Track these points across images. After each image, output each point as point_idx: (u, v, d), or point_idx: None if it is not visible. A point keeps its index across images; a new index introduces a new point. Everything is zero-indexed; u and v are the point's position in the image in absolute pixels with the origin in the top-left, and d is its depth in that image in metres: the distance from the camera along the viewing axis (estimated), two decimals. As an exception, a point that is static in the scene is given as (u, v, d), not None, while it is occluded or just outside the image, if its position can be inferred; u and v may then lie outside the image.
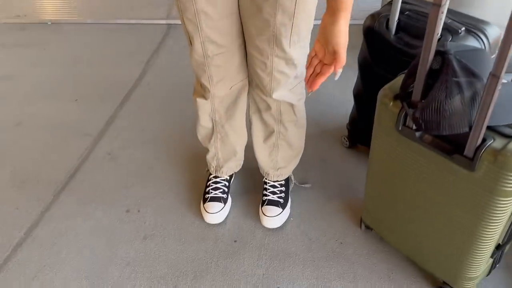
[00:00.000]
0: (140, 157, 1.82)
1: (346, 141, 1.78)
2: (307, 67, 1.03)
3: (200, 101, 1.34)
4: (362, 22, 1.47)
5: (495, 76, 0.82)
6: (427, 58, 0.91)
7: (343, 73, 0.96)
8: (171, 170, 1.74)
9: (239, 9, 1.13)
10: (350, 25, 0.95)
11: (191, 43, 1.17)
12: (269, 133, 1.42)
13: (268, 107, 1.32)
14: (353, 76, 1.66)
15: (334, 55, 0.96)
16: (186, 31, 1.15)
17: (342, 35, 0.93)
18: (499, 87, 0.84)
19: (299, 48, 1.15)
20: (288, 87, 1.25)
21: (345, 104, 2.01)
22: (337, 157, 1.76)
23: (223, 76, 1.24)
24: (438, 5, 0.85)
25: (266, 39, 1.11)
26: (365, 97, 1.57)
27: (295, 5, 1.04)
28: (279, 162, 1.49)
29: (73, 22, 2.81)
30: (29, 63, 2.46)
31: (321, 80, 1.00)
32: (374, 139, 1.19)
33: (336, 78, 0.96)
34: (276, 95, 1.25)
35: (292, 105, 1.32)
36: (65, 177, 1.73)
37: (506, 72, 1.93)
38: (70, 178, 1.73)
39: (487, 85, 0.84)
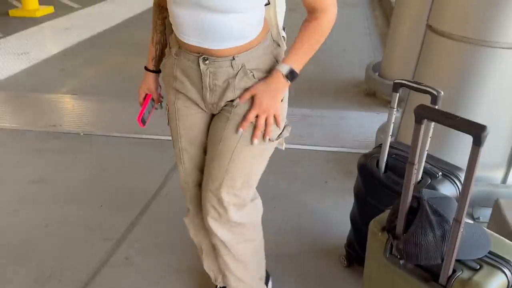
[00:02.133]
0: (154, 264, 1.99)
1: (344, 260, 1.96)
2: None
3: (186, 219, 1.67)
4: (357, 150, 1.74)
5: (457, 221, 1.06)
6: (405, 205, 1.16)
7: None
8: (181, 280, 1.90)
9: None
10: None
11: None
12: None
13: None
14: (353, 199, 1.89)
15: None
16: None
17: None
18: (461, 229, 1.07)
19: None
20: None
21: (345, 223, 2.20)
22: (335, 275, 1.93)
23: (198, 202, 1.54)
24: (412, 164, 1.12)
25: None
26: (360, 222, 1.79)
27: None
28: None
29: (102, 134, 3.16)
30: (61, 169, 2.75)
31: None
32: (366, 263, 1.39)
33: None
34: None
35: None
36: (85, 278, 1.89)
37: (482, 206, 2.16)
38: (90, 280, 1.89)
39: (452, 228, 1.08)
